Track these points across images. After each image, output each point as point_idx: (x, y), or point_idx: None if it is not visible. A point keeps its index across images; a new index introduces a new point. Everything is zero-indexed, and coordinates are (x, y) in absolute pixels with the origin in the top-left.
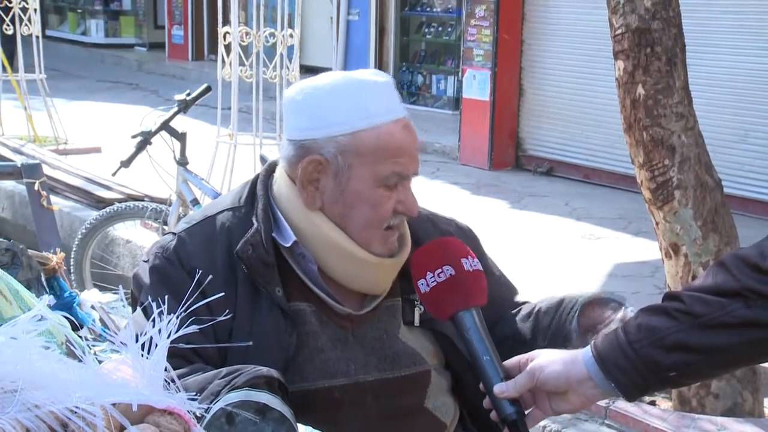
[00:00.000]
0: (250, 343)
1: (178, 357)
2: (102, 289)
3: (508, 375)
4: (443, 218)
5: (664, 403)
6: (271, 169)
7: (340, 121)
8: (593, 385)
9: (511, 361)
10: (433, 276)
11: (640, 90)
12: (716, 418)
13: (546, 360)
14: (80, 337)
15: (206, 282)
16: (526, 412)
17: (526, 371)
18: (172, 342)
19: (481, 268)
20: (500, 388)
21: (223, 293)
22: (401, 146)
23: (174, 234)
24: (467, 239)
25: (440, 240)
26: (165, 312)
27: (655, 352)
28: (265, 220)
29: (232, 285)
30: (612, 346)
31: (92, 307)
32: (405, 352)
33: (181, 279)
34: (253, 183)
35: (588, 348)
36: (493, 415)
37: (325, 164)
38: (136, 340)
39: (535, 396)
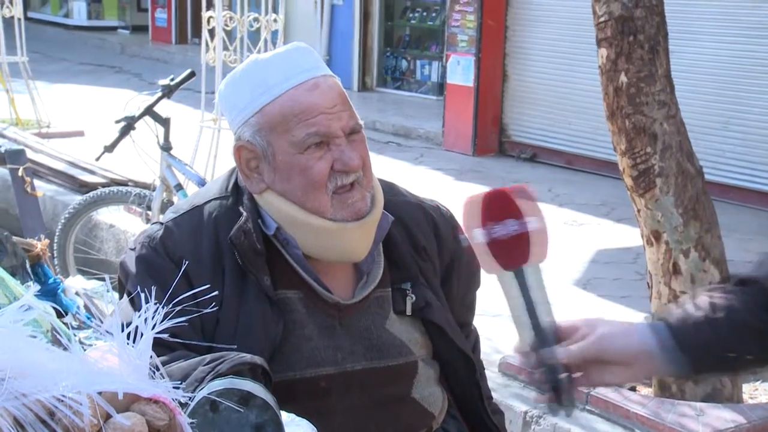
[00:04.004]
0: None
1: (161, 345)
2: (85, 273)
3: (558, 339)
4: (429, 203)
5: (644, 388)
6: None
7: (247, 103)
8: (660, 359)
9: (566, 324)
10: (498, 227)
11: (623, 78)
12: (696, 403)
13: (613, 330)
14: (65, 324)
15: (192, 271)
16: (570, 377)
17: (593, 340)
18: (157, 333)
19: (543, 225)
20: (555, 353)
21: (209, 285)
22: (309, 107)
23: (161, 224)
24: (448, 224)
25: (505, 190)
26: (151, 302)
27: (731, 333)
28: (252, 209)
29: (219, 274)
30: (690, 321)
31: (76, 293)
32: (392, 342)
33: (168, 269)
34: (236, 173)
35: (659, 322)
36: (536, 376)
37: (251, 148)
38: (122, 329)
39: (586, 364)
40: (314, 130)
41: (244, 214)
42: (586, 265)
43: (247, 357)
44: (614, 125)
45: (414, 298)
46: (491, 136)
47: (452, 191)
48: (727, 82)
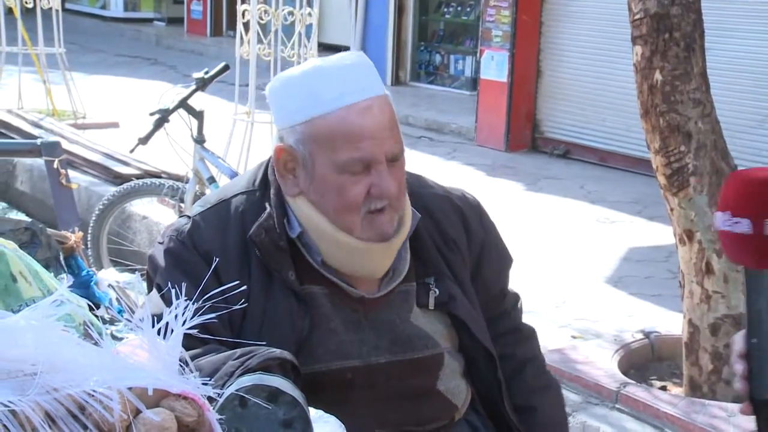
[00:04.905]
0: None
1: (192, 337)
2: (118, 264)
3: None
4: (455, 193)
5: (675, 388)
6: None
7: (296, 109)
8: None
9: None
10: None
11: (658, 76)
12: (727, 404)
13: None
14: (97, 316)
15: (220, 265)
16: None
17: None
18: (188, 329)
19: None
20: None
21: (236, 279)
22: (357, 131)
23: (189, 217)
24: (475, 214)
25: None
26: (181, 296)
27: None
28: (278, 204)
29: (246, 268)
30: None
31: (109, 285)
32: (417, 335)
33: (195, 262)
34: (266, 166)
35: None
36: (741, 387)
37: (292, 153)
38: (152, 324)
39: None
40: (358, 156)
41: (267, 209)
42: (617, 262)
43: (277, 352)
44: (648, 123)
45: (437, 293)
46: (524, 132)
47: (484, 187)
48: (764, 80)
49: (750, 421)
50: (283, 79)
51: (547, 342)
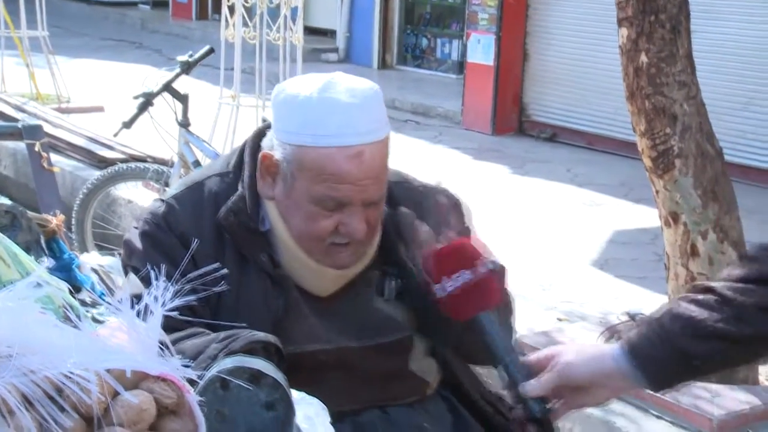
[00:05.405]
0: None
1: (175, 320)
2: (103, 249)
3: (529, 372)
4: (434, 188)
5: None
6: (261, 133)
7: (292, 131)
8: (623, 378)
9: (531, 358)
10: (450, 281)
11: (643, 58)
12: (711, 385)
13: (572, 357)
14: (79, 300)
15: (195, 247)
16: (549, 407)
17: (555, 370)
18: (168, 310)
19: (496, 267)
20: (528, 388)
21: (212, 260)
22: (341, 174)
23: (162, 200)
24: (456, 211)
25: (456, 244)
26: (159, 277)
27: (691, 342)
28: (251, 185)
29: (221, 250)
30: (645, 338)
31: (92, 269)
32: (384, 320)
33: (173, 244)
34: (243, 148)
35: (618, 343)
36: (518, 413)
37: (276, 164)
38: (131, 306)
39: (559, 391)
40: (336, 196)
41: (239, 191)
42: (603, 245)
43: (261, 335)
44: (634, 105)
45: (394, 284)
46: (511, 116)
47: (470, 170)
48: (750, 63)
49: (734, 402)
50: (289, 95)
51: (533, 324)
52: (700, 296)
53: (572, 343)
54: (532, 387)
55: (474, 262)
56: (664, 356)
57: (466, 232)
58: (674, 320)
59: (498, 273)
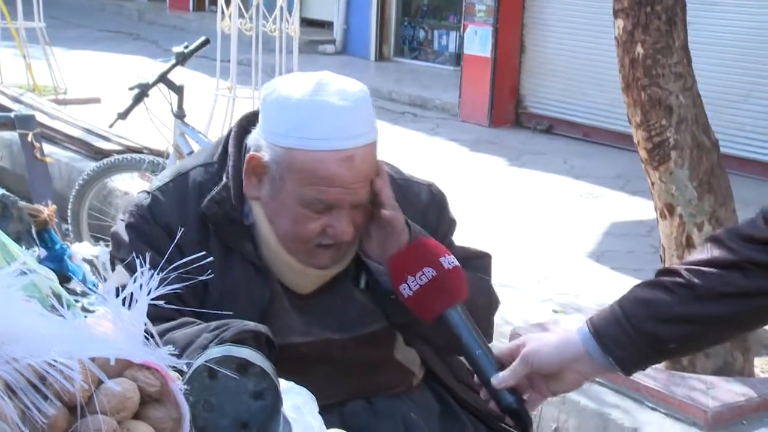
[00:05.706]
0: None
1: (163, 309)
2: (99, 240)
3: (501, 364)
4: (419, 182)
5: None
6: (245, 123)
7: (282, 133)
8: (590, 362)
9: (502, 350)
10: (415, 280)
11: (639, 49)
12: (706, 377)
13: (539, 344)
14: (70, 290)
15: (180, 237)
16: (524, 398)
17: (521, 358)
18: (154, 299)
19: (458, 263)
20: (498, 379)
21: (198, 250)
22: (332, 177)
23: (147, 192)
24: (437, 206)
25: (416, 243)
26: (145, 266)
27: (654, 325)
28: (236, 176)
29: (205, 239)
30: (609, 321)
31: (83, 259)
32: (364, 311)
33: (158, 235)
34: (227, 139)
35: (583, 326)
36: (492, 405)
37: (264, 166)
38: (117, 295)
39: (531, 380)
40: (324, 198)
41: (224, 181)
42: (600, 237)
43: (251, 325)
44: (630, 97)
45: (367, 276)
46: (508, 108)
47: (467, 162)
48: (749, 54)
49: (729, 394)
50: (279, 97)
51: (529, 316)
52: (665, 278)
53: (539, 332)
54: (503, 378)
55: (437, 259)
56: (629, 340)
57: (446, 226)
58: (637, 304)
59: (460, 270)
